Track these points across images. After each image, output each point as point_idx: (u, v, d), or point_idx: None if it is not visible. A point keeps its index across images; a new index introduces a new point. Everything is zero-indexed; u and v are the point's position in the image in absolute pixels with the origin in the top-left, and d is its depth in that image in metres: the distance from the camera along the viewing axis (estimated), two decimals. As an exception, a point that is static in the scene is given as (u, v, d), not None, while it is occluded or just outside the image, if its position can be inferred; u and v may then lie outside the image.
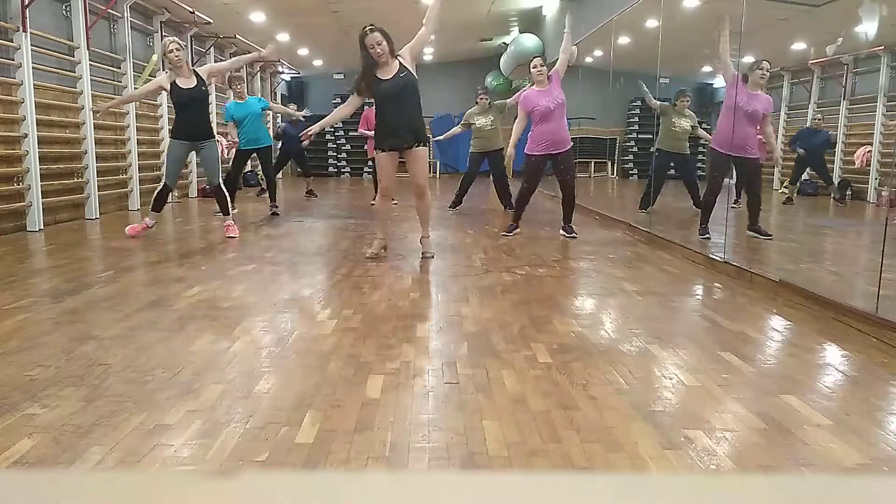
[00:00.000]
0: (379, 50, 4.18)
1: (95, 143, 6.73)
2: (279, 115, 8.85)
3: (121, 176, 7.54)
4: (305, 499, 0.31)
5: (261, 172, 12.01)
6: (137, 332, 2.69)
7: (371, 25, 4.23)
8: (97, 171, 6.77)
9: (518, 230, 5.80)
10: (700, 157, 11.03)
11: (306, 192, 9.55)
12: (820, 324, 3.00)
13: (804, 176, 8.36)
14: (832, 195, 8.22)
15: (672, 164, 7.27)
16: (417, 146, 4.36)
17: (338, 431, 1.77)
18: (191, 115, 5.27)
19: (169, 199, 5.71)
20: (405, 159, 4.43)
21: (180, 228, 6.29)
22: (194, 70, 5.33)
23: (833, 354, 2.63)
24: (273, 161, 7.72)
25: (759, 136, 5.43)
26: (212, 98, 5.38)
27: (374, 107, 8.72)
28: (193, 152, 5.50)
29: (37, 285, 3.63)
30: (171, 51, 5.17)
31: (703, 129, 7.10)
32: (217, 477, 0.32)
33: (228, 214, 5.61)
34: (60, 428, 1.76)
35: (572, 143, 5.65)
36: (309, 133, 4.56)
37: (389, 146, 4.37)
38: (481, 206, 8.43)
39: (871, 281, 3.24)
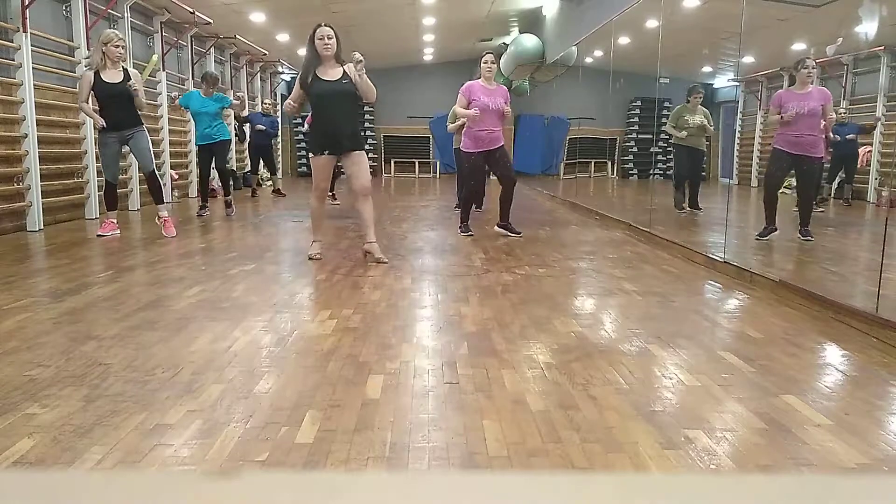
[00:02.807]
0: (328, 42, 4.16)
1: (95, 143, 6.73)
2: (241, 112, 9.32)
3: (120, 176, 7.53)
4: (305, 499, 0.31)
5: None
6: (137, 332, 2.69)
7: (326, 23, 4.28)
8: (97, 171, 6.76)
9: (472, 233, 5.67)
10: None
11: (273, 191, 9.67)
12: (820, 324, 3.00)
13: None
14: (834, 195, 8.14)
15: (687, 158, 7.20)
16: (355, 151, 4.28)
17: (338, 431, 1.77)
18: (114, 108, 5.20)
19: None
20: (343, 163, 4.35)
21: (180, 228, 6.28)
22: (125, 68, 5.29)
23: (833, 354, 2.63)
24: (228, 157, 7.70)
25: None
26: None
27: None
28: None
29: (37, 285, 3.63)
30: (118, 46, 5.15)
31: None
32: (217, 477, 0.32)
33: (162, 203, 5.65)
34: (60, 428, 1.76)
35: (503, 143, 5.60)
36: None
37: (328, 151, 4.28)
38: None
39: (871, 281, 3.24)
